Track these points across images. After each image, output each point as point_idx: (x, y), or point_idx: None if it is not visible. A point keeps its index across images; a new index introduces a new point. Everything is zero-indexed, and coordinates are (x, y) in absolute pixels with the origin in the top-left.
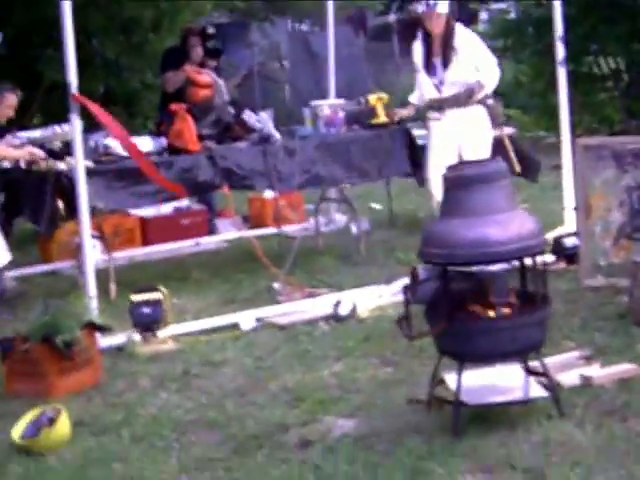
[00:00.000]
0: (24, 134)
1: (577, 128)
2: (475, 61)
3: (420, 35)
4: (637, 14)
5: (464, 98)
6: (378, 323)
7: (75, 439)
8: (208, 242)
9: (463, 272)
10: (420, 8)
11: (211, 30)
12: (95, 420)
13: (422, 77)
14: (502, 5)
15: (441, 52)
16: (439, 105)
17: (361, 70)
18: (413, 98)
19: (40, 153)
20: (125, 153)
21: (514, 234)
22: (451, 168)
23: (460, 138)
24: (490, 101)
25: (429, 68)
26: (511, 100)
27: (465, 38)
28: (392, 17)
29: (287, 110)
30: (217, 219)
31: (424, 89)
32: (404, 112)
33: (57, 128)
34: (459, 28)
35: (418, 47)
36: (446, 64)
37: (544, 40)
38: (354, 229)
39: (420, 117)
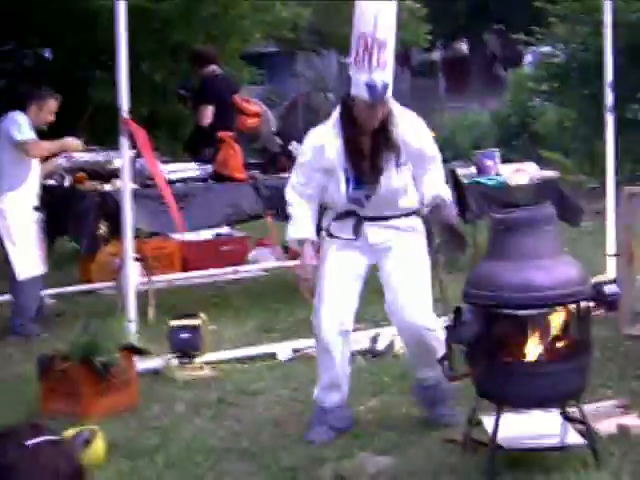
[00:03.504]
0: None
1: (619, 175)
2: (419, 162)
3: (341, 128)
4: None
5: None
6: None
7: (109, 462)
8: (247, 270)
9: (506, 315)
10: (355, 90)
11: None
12: (130, 443)
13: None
14: (549, 48)
15: (371, 155)
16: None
17: (406, 105)
18: (298, 232)
19: (77, 143)
20: (170, 177)
21: (560, 279)
22: (499, 210)
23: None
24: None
25: (358, 177)
26: (554, 143)
27: (409, 127)
28: (436, 54)
29: None
30: (258, 248)
31: (339, 201)
32: (308, 271)
33: (111, 154)
34: (398, 110)
35: (335, 146)
36: (378, 173)
37: (590, 85)
38: None
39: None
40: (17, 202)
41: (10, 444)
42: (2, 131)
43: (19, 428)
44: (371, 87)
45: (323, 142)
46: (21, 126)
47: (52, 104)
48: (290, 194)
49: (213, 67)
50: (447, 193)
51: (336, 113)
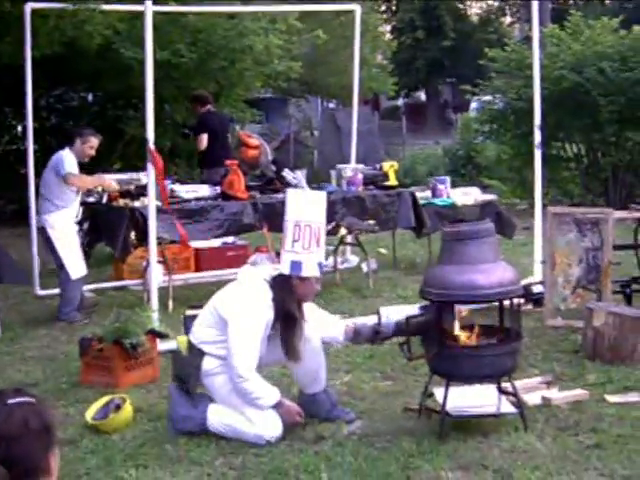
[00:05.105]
0: (111, 176)
1: (545, 198)
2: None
3: (282, 304)
4: (596, 111)
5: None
6: (381, 344)
7: (135, 423)
8: None
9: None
10: (309, 271)
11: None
12: (152, 409)
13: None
14: (490, 97)
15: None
16: None
17: (375, 142)
18: (270, 399)
19: (112, 184)
20: (186, 196)
21: (496, 280)
22: (449, 225)
23: None
24: None
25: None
26: (493, 173)
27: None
28: (400, 101)
29: (314, 171)
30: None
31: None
32: (300, 415)
33: (134, 175)
34: None
35: (266, 316)
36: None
37: (522, 127)
38: (365, 268)
39: None
40: (63, 218)
41: None
42: (52, 165)
43: (5, 391)
44: (320, 265)
45: (270, 316)
46: (65, 162)
47: (94, 141)
48: (247, 372)
49: (208, 106)
50: (338, 319)
51: (267, 289)
